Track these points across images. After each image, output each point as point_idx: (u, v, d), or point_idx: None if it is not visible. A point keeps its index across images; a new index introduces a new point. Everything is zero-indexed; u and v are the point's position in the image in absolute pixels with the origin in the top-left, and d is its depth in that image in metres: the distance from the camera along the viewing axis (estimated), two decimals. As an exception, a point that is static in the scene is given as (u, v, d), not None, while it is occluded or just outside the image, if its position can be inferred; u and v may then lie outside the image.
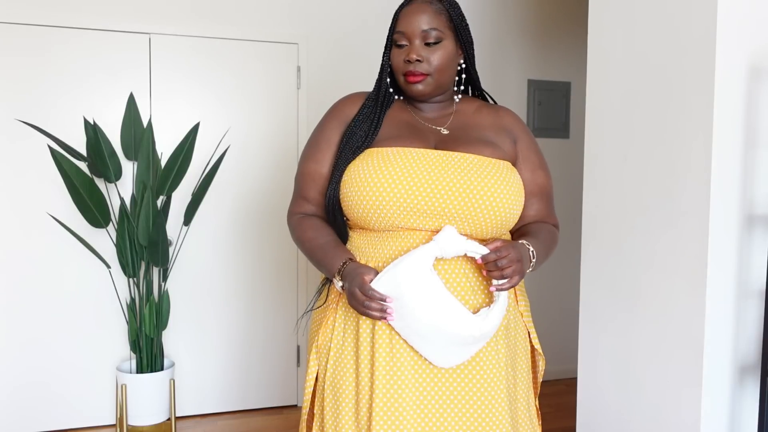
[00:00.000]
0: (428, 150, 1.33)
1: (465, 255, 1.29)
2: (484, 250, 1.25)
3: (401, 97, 1.49)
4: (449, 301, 1.24)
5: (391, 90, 1.46)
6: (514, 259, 1.24)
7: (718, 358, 1.85)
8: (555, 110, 3.92)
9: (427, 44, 1.37)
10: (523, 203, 1.37)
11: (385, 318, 1.23)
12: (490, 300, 1.33)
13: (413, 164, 1.30)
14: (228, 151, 3.28)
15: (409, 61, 1.36)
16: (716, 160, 1.80)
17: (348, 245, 1.39)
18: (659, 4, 1.98)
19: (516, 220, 1.36)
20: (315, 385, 1.42)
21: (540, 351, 1.48)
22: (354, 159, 1.35)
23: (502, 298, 1.28)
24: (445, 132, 1.41)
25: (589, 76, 2.30)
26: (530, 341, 1.48)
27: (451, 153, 1.33)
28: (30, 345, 3.07)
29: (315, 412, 1.41)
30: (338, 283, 1.32)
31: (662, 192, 1.97)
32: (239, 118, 3.32)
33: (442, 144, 1.38)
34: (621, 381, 2.15)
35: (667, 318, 1.95)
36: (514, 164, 1.43)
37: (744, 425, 1.90)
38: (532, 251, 1.32)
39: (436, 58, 1.36)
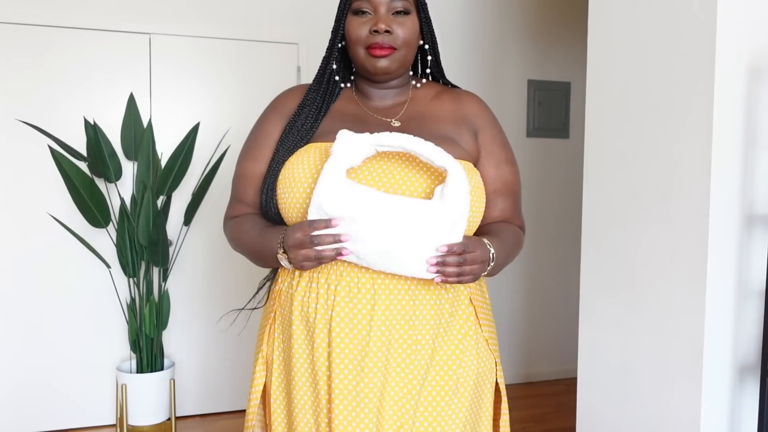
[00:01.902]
0: None
1: (409, 156, 1.12)
2: (434, 150, 1.07)
3: (348, 85, 1.33)
4: (385, 198, 1.06)
5: (336, 78, 1.29)
6: (479, 260, 1.10)
7: (717, 358, 1.85)
8: (555, 110, 3.92)
9: (395, 14, 1.22)
10: (482, 206, 1.21)
11: (341, 251, 1.07)
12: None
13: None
14: (228, 151, 3.28)
15: (376, 31, 1.20)
16: (716, 160, 1.80)
17: None
18: (659, 4, 1.99)
19: (474, 226, 1.21)
20: (263, 396, 1.29)
21: (503, 391, 1.28)
22: (291, 156, 1.20)
23: (454, 173, 1.07)
24: (397, 124, 1.26)
25: (589, 76, 2.30)
26: (496, 376, 1.27)
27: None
28: (30, 344, 3.07)
29: (259, 423, 1.30)
30: (284, 259, 1.14)
31: (662, 192, 1.97)
32: (239, 118, 3.32)
33: None
34: (621, 381, 2.15)
35: (667, 318, 1.95)
36: (476, 160, 1.26)
37: (744, 425, 1.90)
38: (493, 253, 1.16)
39: (404, 30, 1.22)
